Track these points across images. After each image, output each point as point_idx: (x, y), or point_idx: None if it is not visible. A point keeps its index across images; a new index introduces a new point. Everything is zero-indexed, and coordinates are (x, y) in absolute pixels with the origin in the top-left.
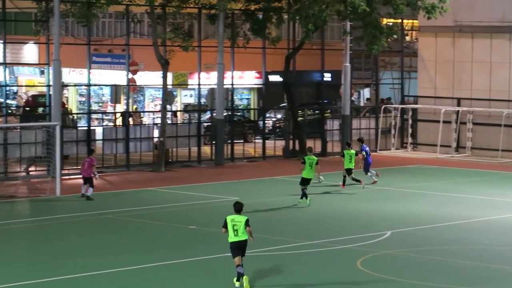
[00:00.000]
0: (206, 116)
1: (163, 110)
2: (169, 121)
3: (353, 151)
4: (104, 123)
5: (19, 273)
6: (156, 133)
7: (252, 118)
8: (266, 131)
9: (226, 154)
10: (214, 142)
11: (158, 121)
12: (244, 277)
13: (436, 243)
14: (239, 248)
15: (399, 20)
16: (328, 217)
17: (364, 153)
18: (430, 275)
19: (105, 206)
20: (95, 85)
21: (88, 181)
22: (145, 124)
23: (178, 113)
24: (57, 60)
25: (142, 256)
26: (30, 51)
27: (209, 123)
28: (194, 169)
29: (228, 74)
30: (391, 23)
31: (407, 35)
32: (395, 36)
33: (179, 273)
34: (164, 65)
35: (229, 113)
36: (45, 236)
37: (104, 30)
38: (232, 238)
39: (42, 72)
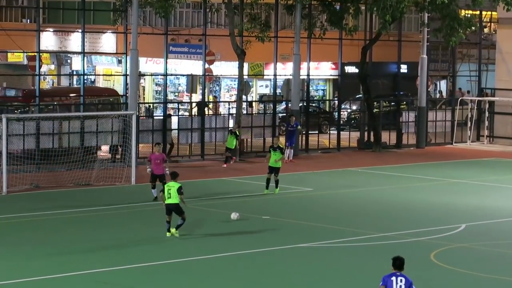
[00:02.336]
0: (282, 106)
1: (239, 100)
2: (244, 112)
3: None
4: (180, 113)
5: (106, 258)
6: (231, 123)
7: (327, 109)
8: (341, 122)
9: (301, 145)
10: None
11: (234, 111)
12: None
13: None
14: (170, 210)
15: (478, 12)
16: (403, 210)
17: None
18: (505, 269)
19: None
20: (171, 74)
21: (161, 179)
22: (220, 114)
23: (254, 104)
24: (134, 50)
25: (221, 245)
26: (108, 41)
27: (284, 114)
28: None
29: (304, 65)
30: (469, 15)
31: (485, 27)
32: (473, 28)
33: (258, 262)
34: (241, 56)
35: (305, 104)
36: (123, 223)
37: (181, 20)
38: (166, 200)
39: (119, 62)
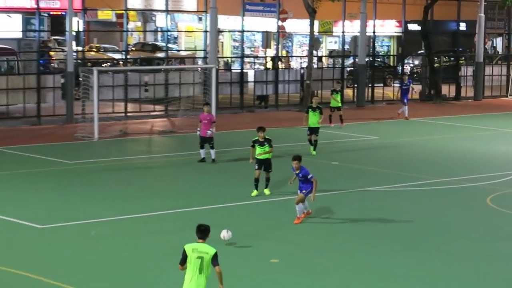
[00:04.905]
0: (349, 61)
1: (310, 55)
2: (315, 66)
3: None
4: (256, 67)
5: (188, 200)
6: (304, 76)
7: (391, 64)
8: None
9: (367, 96)
10: (356, 85)
11: (305, 65)
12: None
13: None
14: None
15: None
16: (461, 157)
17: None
18: None
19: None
20: (248, 31)
21: (207, 141)
22: (293, 68)
23: (323, 58)
24: (214, 8)
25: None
26: (189, 0)
27: (352, 68)
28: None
29: (370, 23)
30: None
31: None
32: None
33: (329, 203)
34: (312, 14)
35: (370, 59)
36: (204, 167)
37: None
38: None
39: (200, 19)
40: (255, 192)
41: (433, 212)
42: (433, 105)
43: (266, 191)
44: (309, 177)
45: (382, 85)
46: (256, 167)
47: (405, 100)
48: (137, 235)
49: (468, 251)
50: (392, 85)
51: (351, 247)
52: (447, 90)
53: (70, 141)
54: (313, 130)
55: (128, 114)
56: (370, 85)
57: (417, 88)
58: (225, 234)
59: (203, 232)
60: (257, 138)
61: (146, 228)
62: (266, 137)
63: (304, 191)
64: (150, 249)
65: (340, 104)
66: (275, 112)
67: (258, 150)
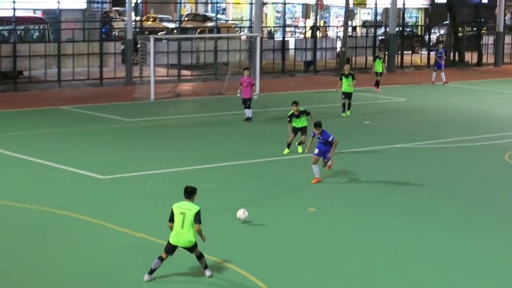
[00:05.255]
0: (381, 31)
1: (345, 25)
2: (349, 35)
3: None
4: (296, 35)
5: (235, 154)
6: (338, 44)
7: (419, 33)
8: (431, 44)
9: (397, 62)
10: (387, 52)
11: (341, 34)
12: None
13: None
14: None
15: None
16: (482, 118)
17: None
18: None
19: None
20: (289, 3)
21: (248, 102)
22: (329, 37)
23: (357, 28)
24: None
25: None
26: None
27: (383, 37)
28: (369, 75)
29: None
30: None
31: None
32: None
33: (360, 159)
34: None
35: (400, 28)
36: (249, 125)
37: None
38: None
39: None
40: (287, 150)
41: (456, 166)
42: (457, 71)
43: (299, 148)
44: (330, 139)
45: (410, 52)
46: (343, 96)
47: (441, 67)
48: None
49: (487, 201)
50: (420, 52)
51: (382, 197)
52: (470, 57)
53: (129, 101)
54: (347, 95)
55: (181, 77)
56: (399, 52)
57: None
58: (241, 214)
59: (188, 193)
60: (292, 111)
61: (198, 178)
62: (301, 109)
63: (325, 159)
64: (201, 197)
65: (381, 70)
66: (313, 76)
67: (295, 122)
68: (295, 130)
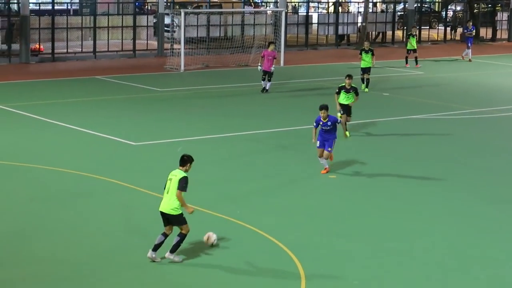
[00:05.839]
0: (400, 7)
1: (366, 1)
2: (370, 10)
3: None
4: (319, 11)
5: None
6: (359, 19)
7: (436, 10)
8: (448, 20)
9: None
10: (405, 27)
11: (362, 10)
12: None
13: None
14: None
15: None
16: (496, 91)
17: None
18: None
19: (317, 74)
20: None
21: (268, 75)
22: (351, 12)
23: (378, 4)
24: None
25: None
26: None
27: (402, 13)
28: (388, 49)
29: None
30: None
31: None
32: None
33: (379, 128)
34: None
35: (418, 4)
36: (272, 95)
37: None
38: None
39: None
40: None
41: (470, 136)
42: (472, 46)
43: (347, 133)
44: (338, 121)
45: (428, 27)
46: (361, 72)
47: (469, 44)
48: (217, 152)
49: (503, 168)
50: (437, 27)
51: (401, 163)
52: (485, 32)
53: (160, 72)
54: (365, 70)
55: (210, 49)
56: (417, 27)
57: (458, 30)
58: (207, 238)
59: (183, 161)
60: (344, 84)
61: (226, 146)
62: (353, 85)
63: (329, 148)
64: (229, 164)
65: (415, 47)
66: (335, 50)
67: (343, 96)
68: (343, 109)
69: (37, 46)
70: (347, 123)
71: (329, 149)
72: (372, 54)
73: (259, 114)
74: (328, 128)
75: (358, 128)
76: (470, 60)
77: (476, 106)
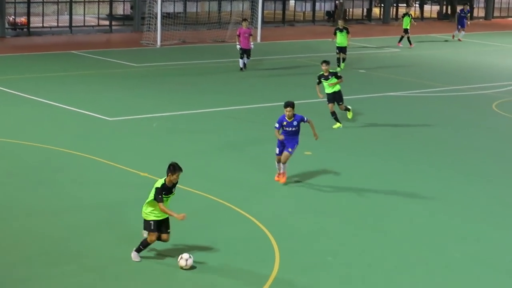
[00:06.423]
0: None
1: None
2: None
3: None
4: None
5: (235, 99)
6: None
7: None
8: None
9: (392, 14)
10: (382, 4)
11: None
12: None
13: None
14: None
15: None
16: (471, 68)
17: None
18: None
19: (294, 51)
20: None
21: (247, 53)
22: None
23: None
24: None
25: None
26: None
27: None
28: (365, 26)
29: None
30: None
31: None
32: None
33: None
34: None
35: None
36: (247, 72)
37: None
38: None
39: None
40: (337, 125)
41: (445, 114)
42: (449, 23)
43: (349, 115)
44: (305, 119)
45: (405, 5)
46: (337, 51)
47: (463, 26)
48: (192, 127)
49: (475, 148)
50: (414, 5)
51: (373, 143)
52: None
53: (137, 47)
54: (341, 49)
55: (186, 24)
56: (395, 4)
57: (435, 8)
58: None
59: (168, 169)
60: (322, 72)
61: (201, 121)
62: (331, 70)
63: (290, 149)
64: (203, 139)
65: (408, 27)
66: (312, 26)
67: (325, 84)
68: (331, 98)
69: (23, 20)
70: (342, 110)
71: (290, 149)
72: (347, 33)
73: (235, 90)
74: (293, 129)
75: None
76: (459, 40)
77: (451, 83)
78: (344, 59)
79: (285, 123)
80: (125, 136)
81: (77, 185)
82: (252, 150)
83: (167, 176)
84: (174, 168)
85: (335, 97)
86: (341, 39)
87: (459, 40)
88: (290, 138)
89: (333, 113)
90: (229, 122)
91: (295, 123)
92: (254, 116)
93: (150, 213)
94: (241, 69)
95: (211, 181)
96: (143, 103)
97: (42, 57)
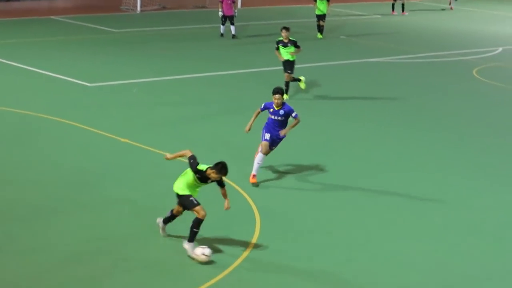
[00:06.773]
0: None
1: None
2: None
3: None
4: None
5: (215, 66)
6: None
7: None
8: None
9: None
10: None
11: None
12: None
13: None
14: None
15: None
16: (451, 35)
17: None
18: None
19: (275, 17)
20: None
21: (230, 18)
22: None
23: None
24: None
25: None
26: None
27: None
28: None
29: None
30: None
31: None
32: None
33: (337, 72)
34: None
35: None
36: (227, 37)
37: None
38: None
39: None
40: (285, 96)
41: (426, 80)
42: None
43: (302, 85)
44: (293, 115)
45: None
46: (317, 19)
47: None
48: (173, 93)
49: (456, 115)
50: None
51: (356, 107)
52: None
53: (116, 12)
54: (320, 17)
55: None
56: None
57: None
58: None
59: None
60: (281, 38)
61: (181, 87)
62: (291, 38)
63: (273, 147)
64: (185, 106)
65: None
66: None
67: (282, 50)
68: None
69: None
70: (288, 80)
71: (273, 148)
72: (328, 1)
73: (216, 56)
74: (279, 118)
75: (316, 70)
76: (451, 8)
77: (430, 49)
78: (322, 27)
79: (271, 110)
80: (105, 102)
81: (57, 150)
82: (235, 113)
83: (211, 169)
84: (219, 170)
85: (285, 65)
86: (321, 6)
87: (451, 8)
88: (274, 128)
89: (287, 83)
90: (210, 87)
91: (282, 112)
92: (236, 81)
93: (184, 187)
94: (222, 35)
95: (191, 146)
96: (123, 69)
97: (21, 22)
